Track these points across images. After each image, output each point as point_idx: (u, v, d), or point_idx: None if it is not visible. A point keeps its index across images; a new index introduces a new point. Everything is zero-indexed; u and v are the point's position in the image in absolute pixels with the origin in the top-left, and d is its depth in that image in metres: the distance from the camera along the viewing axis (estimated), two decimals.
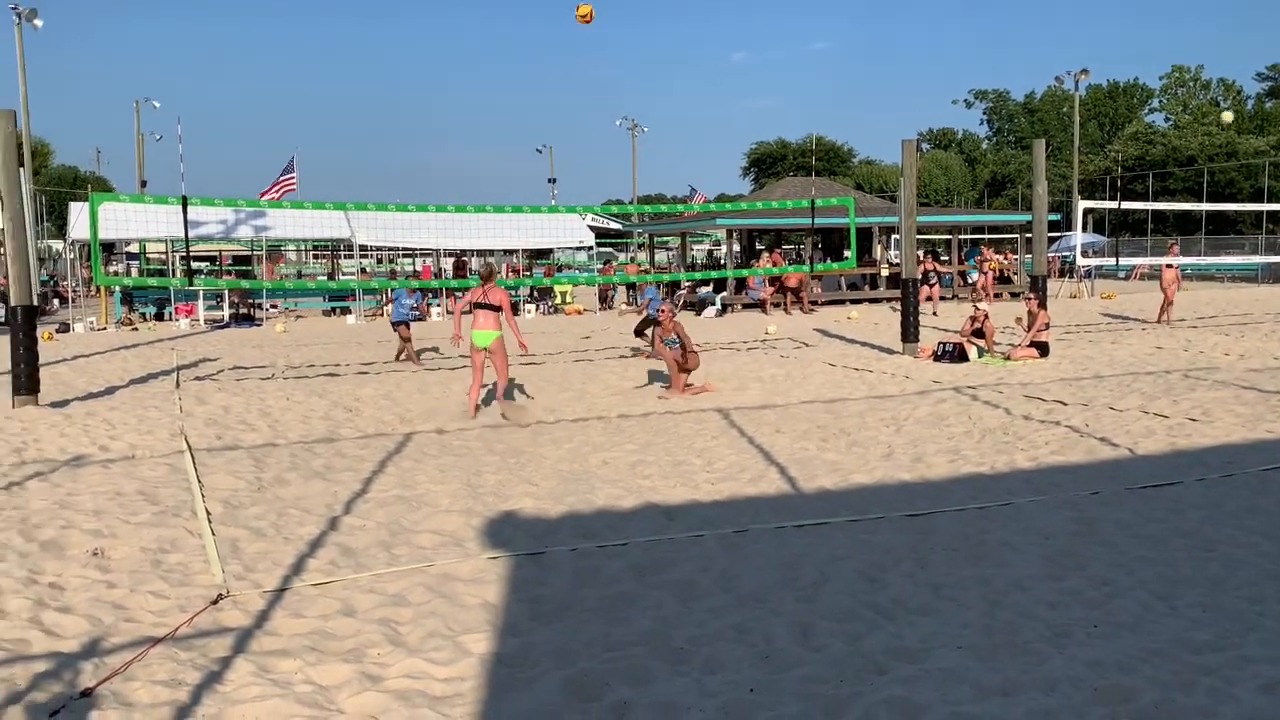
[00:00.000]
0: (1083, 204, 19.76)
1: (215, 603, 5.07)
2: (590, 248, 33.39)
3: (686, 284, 28.69)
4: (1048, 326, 14.91)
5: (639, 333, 17.53)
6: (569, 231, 29.96)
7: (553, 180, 62.48)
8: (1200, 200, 49.18)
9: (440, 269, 33.18)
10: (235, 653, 4.46)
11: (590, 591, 5.18)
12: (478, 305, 10.99)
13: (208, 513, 6.81)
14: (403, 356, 16.19)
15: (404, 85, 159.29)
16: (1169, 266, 20.25)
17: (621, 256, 59.51)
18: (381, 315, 27.50)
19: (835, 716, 3.75)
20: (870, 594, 5.04)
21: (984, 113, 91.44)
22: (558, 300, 30.07)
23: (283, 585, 5.36)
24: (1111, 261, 27.64)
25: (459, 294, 28.48)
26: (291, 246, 49.63)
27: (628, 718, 3.78)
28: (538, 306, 29.14)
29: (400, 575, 5.50)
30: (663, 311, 12.58)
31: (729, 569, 5.46)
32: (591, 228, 35.33)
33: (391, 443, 9.49)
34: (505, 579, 5.41)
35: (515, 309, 27.67)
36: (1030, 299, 15.37)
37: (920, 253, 23.65)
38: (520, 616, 4.85)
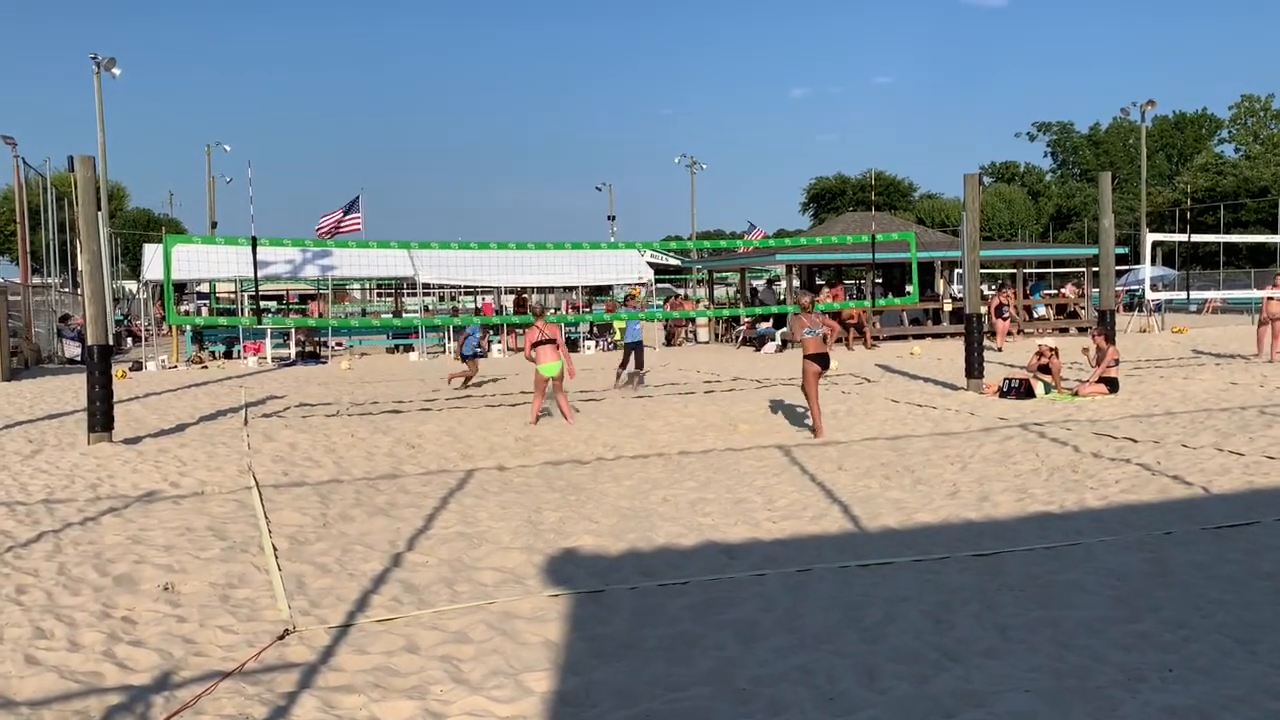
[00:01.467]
0: (1151, 236, 19.37)
1: (282, 638, 5.15)
2: (648, 284, 33.47)
3: (746, 320, 28.64)
4: (1117, 362, 14.63)
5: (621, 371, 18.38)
6: (628, 267, 30.13)
7: (612, 217, 63.09)
8: (1275, 232, 48.02)
9: (501, 306, 33.50)
10: (301, 688, 4.51)
11: (651, 631, 5.16)
12: (542, 342, 12.69)
13: (274, 549, 6.92)
14: (470, 383, 18.33)
15: (468, 124, 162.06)
16: (1272, 299, 19.27)
17: (682, 292, 59.73)
18: (444, 352, 27.83)
19: None
20: (936, 635, 4.97)
21: (1048, 145, 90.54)
22: (616, 336, 30.17)
23: (347, 621, 5.42)
24: (1182, 295, 27.03)
25: (520, 330, 28.84)
26: (356, 285, 50.57)
27: None
28: (597, 343, 29.27)
29: (462, 612, 5.53)
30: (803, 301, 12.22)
31: (792, 609, 5.42)
32: (650, 264, 35.52)
33: (453, 479, 9.58)
34: (566, 617, 5.42)
35: (571, 345, 28.00)
36: (1098, 334, 15.11)
37: (995, 286, 23.20)
38: (582, 655, 4.85)
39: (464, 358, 18.65)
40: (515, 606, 5.63)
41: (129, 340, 32.88)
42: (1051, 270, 44.21)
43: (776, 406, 14.18)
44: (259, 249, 14.01)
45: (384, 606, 5.68)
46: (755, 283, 49.91)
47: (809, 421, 12.27)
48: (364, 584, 6.12)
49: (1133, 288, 36.46)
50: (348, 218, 33.27)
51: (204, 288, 40.17)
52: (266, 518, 7.87)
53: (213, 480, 9.60)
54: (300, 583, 6.18)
